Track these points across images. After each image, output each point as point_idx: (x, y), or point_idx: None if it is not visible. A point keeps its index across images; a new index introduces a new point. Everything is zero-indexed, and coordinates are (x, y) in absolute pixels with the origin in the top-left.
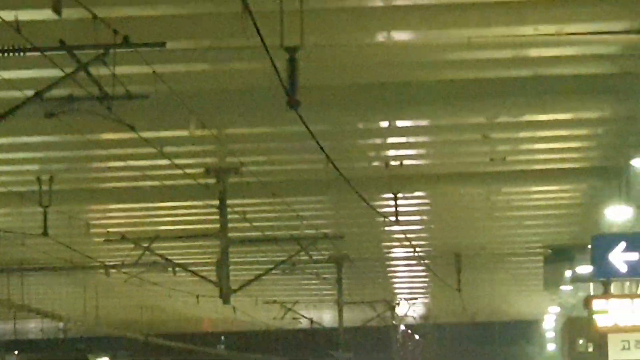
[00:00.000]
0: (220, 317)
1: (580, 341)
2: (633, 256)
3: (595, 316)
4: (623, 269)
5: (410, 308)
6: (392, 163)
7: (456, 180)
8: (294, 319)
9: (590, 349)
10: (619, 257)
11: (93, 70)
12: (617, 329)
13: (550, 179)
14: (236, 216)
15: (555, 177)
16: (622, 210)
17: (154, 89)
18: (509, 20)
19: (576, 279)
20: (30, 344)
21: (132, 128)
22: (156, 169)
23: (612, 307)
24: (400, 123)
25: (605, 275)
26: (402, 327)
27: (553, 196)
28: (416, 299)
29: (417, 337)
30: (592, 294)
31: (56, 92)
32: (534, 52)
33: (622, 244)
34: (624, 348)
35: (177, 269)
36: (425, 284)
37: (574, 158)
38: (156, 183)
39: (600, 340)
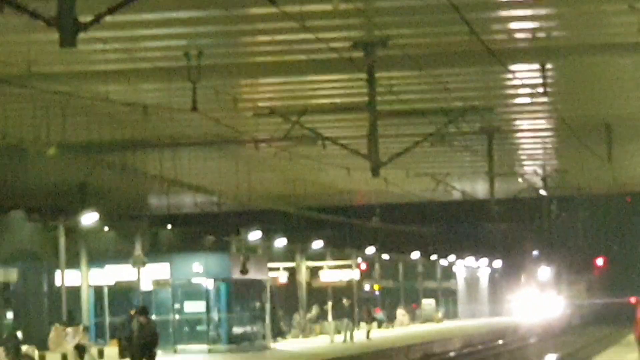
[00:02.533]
0: (372, 189)
1: None
2: None
3: None
4: None
5: (560, 179)
6: (539, 35)
7: (603, 51)
8: (445, 191)
9: None
10: None
11: None
12: None
13: None
14: (384, 89)
15: None
16: None
17: None
18: None
19: None
20: (184, 219)
21: (272, 2)
22: (303, 42)
23: None
24: None
25: None
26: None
27: None
28: (567, 170)
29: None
30: None
31: None
32: None
33: None
34: None
35: (326, 142)
36: (576, 156)
37: None
38: (303, 57)
39: None
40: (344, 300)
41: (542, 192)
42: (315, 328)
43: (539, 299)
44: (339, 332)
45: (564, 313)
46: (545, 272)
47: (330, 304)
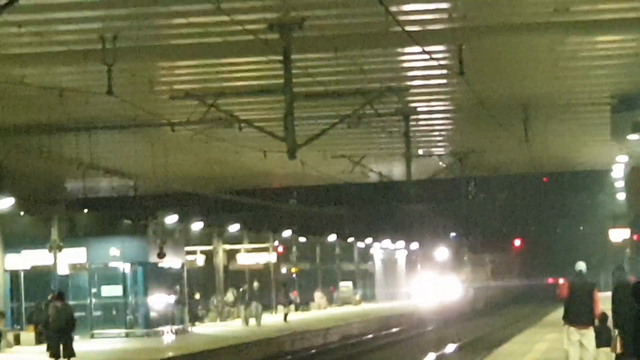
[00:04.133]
0: (289, 172)
1: None
2: None
3: None
4: None
5: (477, 160)
6: (454, 15)
7: (520, 31)
8: (362, 172)
9: None
10: None
11: None
12: None
13: (614, 28)
14: (300, 71)
15: (620, 27)
16: None
17: None
18: None
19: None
20: (101, 202)
21: None
22: (219, 25)
23: None
24: None
25: None
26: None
27: (618, 46)
28: (484, 150)
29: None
30: None
31: None
32: None
33: None
34: None
35: (242, 124)
36: (493, 136)
37: (638, 7)
38: (219, 39)
39: None
40: (254, 284)
41: (461, 172)
42: (232, 311)
43: (438, 282)
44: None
45: (465, 297)
46: (443, 253)
47: (244, 287)
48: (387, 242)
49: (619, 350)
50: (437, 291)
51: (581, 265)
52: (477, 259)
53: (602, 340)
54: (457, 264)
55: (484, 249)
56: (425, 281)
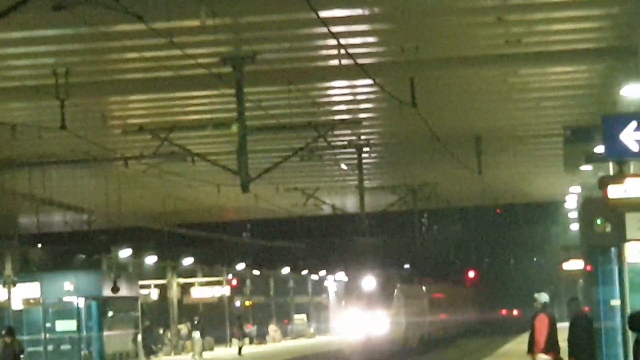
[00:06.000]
0: (242, 205)
1: (598, 221)
2: None
3: (610, 196)
4: (635, 148)
5: (430, 192)
6: (406, 47)
7: (472, 63)
8: (315, 205)
9: (608, 229)
10: (631, 137)
11: None
12: (634, 208)
13: (566, 59)
14: (252, 105)
15: (571, 58)
16: (638, 89)
17: None
18: None
19: (592, 159)
20: (55, 237)
21: (140, 18)
22: (171, 59)
23: (628, 187)
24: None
25: (616, 155)
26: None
27: (570, 77)
28: (437, 182)
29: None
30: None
31: None
32: None
33: (634, 124)
34: None
35: (196, 158)
36: (446, 168)
37: (590, 38)
38: (172, 74)
39: (617, 220)
40: (195, 318)
41: (414, 204)
42: (187, 345)
43: (363, 317)
44: (210, 349)
45: (394, 333)
46: (369, 285)
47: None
48: (341, 275)
49: None
50: (361, 327)
51: (546, 297)
52: (411, 291)
53: None
54: (384, 296)
55: (433, 280)
56: (349, 316)
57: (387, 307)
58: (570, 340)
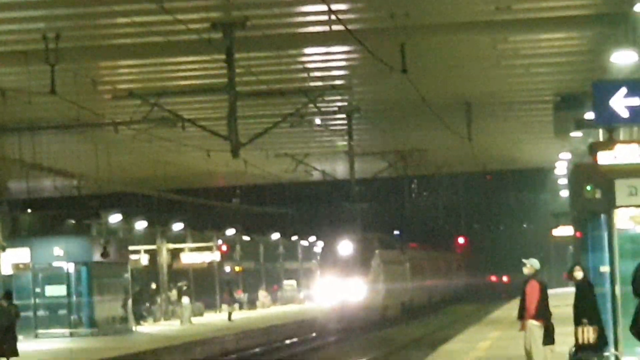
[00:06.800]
0: (232, 171)
1: (588, 188)
2: (634, 101)
3: (600, 162)
4: (625, 114)
5: (421, 158)
6: (397, 13)
7: (462, 30)
8: (306, 171)
9: (598, 195)
10: (621, 103)
11: None
12: (623, 175)
13: (556, 26)
14: (243, 70)
15: (561, 25)
16: (628, 56)
17: None
18: None
19: (582, 126)
20: (44, 202)
21: None
22: (162, 24)
23: (618, 153)
24: None
25: (606, 121)
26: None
27: (560, 44)
28: (426, 149)
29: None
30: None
31: None
32: None
33: (623, 90)
34: (630, 194)
35: (186, 123)
36: (436, 134)
37: (580, 5)
38: (162, 39)
39: (607, 187)
40: (180, 283)
41: (404, 171)
42: (177, 310)
43: (338, 283)
44: (200, 315)
45: (372, 300)
46: (344, 249)
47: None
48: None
49: (592, 341)
50: (337, 294)
51: (536, 263)
52: (391, 256)
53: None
54: (361, 261)
55: (418, 245)
56: (325, 282)
57: (364, 272)
58: (575, 305)
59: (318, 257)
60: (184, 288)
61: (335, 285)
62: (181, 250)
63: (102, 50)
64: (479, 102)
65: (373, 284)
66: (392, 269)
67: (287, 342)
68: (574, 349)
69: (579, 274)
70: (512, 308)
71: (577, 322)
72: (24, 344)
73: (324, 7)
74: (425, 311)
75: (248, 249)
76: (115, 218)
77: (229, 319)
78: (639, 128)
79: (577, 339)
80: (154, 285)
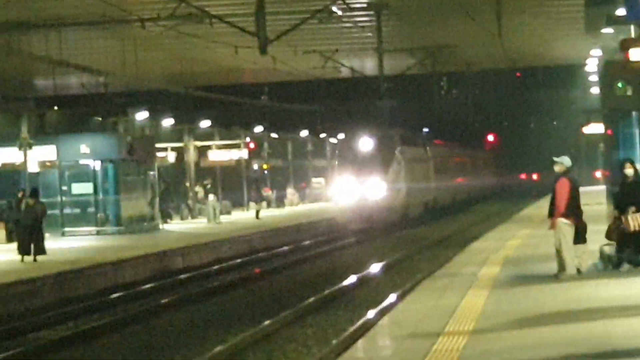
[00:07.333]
0: (260, 68)
1: (619, 85)
2: None
3: (632, 59)
4: None
5: (450, 55)
6: None
7: None
8: (334, 68)
9: (629, 92)
10: None
11: None
12: None
13: None
14: None
15: None
16: None
17: None
18: None
19: (613, 22)
20: (71, 100)
21: None
22: None
23: None
24: None
25: (638, 17)
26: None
27: None
28: (456, 45)
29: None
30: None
31: None
32: None
33: None
34: None
35: (213, 20)
36: (465, 30)
37: None
38: None
39: (638, 83)
40: (205, 181)
41: (433, 67)
42: (203, 209)
43: (357, 182)
44: (227, 213)
45: (393, 200)
46: (364, 146)
47: (205, 182)
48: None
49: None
50: (356, 193)
51: (568, 161)
52: (415, 154)
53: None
54: (381, 158)
55: (444, 142)
56: (344, 181)
57: (383, 171)
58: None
59: (336, 153)
60: (208, 186)
61: (353, 184)
62: (208, 147)
63: None
64: None
65: (393, 183)
66: (415, 167)
67: (314, 240)
68: (614, 248)
69: (629, 171)
70: (541, 206)
71: (623, 210)
72: (51, 242)
73: None
74: (451, 211)
75: (276, 147)
76: (142, 115)
77: (257, 216)
78: None
79: (627, 227)
80: (188, 184)
